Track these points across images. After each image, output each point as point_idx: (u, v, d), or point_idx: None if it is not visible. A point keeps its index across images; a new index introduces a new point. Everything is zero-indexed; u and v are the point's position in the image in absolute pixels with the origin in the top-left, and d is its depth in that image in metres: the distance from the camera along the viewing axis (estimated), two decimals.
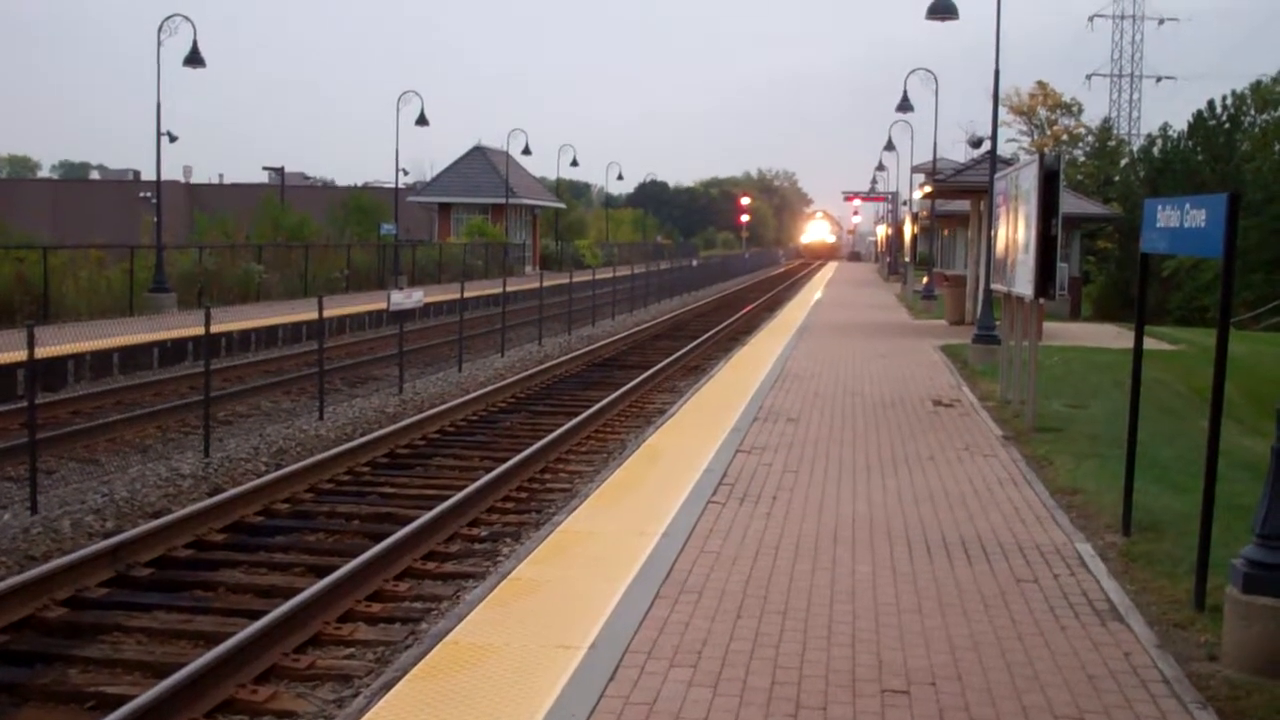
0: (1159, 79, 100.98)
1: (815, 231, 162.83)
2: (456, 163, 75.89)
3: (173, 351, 25.30)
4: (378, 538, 11.58)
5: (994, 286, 20.39)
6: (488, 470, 14.91)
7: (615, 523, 10.52)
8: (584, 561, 9.24)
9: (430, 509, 12.55)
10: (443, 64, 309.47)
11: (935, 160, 49.69)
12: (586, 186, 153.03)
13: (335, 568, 10.36)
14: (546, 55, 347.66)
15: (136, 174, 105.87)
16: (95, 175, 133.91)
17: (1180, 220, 8.72)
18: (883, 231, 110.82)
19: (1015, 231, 16.92)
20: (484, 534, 12.57)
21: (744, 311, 45.82)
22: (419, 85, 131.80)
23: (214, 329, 17.71)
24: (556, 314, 36.61)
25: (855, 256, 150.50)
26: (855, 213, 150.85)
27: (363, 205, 69.83)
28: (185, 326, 25.86)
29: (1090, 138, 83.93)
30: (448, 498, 13.10)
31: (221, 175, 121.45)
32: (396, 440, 17.17)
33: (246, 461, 16.06)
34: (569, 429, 17.71)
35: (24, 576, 9.88)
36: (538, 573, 8.95)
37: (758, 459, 13.51)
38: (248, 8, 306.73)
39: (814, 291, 56.55)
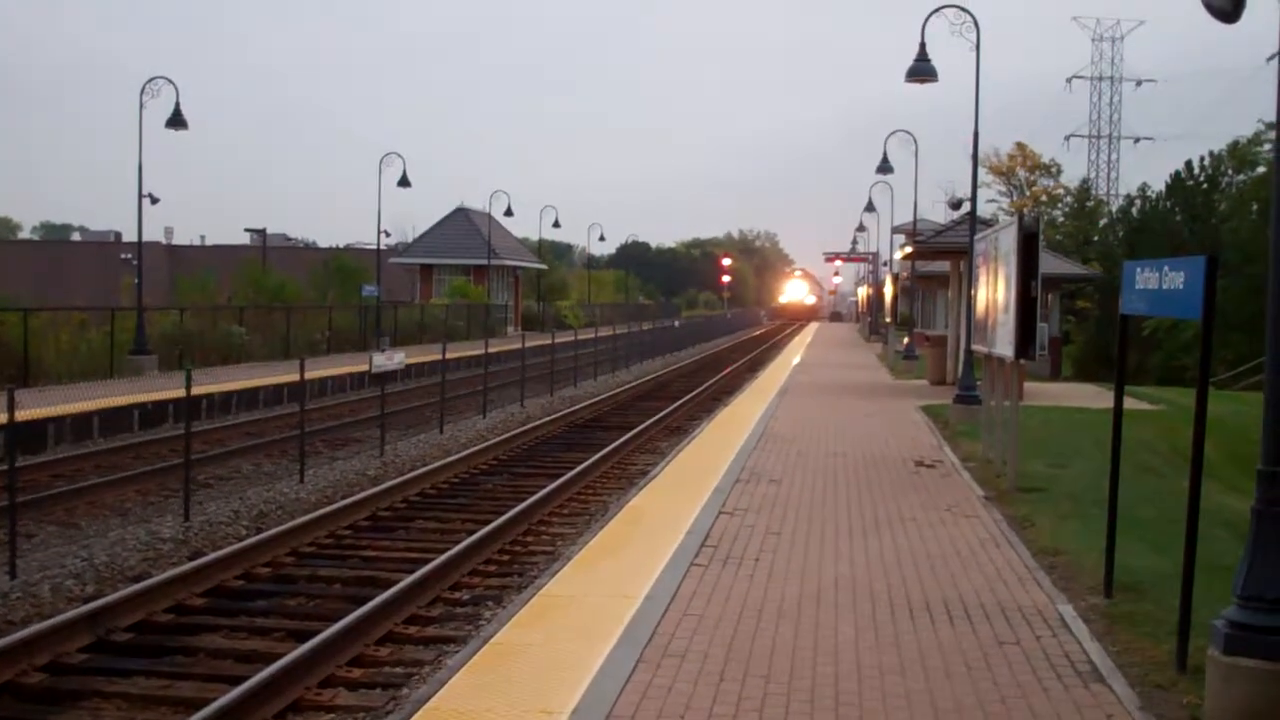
0: (1137, 140, 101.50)
1: (793, 291, 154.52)
2: (439, 224, 76.12)
3: (153, 414, 25.22)
4: (359, 601, 11.53)
5: (975, 347, 20.46)
6: (470, 533, 14.88)
7: (598, 585, 10.50)
8: (567, 625, 9.21)
9: (412, 572, 12.52)
10: (425, 126, 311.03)
11: (915, 221, 50.02)
12: (569, 247, 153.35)
13: (316, 632, 10.31)
14: (529, 118, 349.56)
15: (118, 235, 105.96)
16: (77, 236, 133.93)
17: (1159, 282, 8.76)
18: (864, 292, 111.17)
19: (995, 292, 17.01)
20: (466, 597, 12.53)
21: (726, 372, 45.88)
22: (401, 147, 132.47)
23: (195, 391, 17.69)
24: (538, 375, 36.61)
25: (837, 317, 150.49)
26: (836, 273, 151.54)
27: (344, 266, 69.77)
28: (166, 389, 25.80)
29: (1069, 198, 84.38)
30: (429, 561, 13.08)
31: (203, 236, 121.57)
32: (378, 503, 17.14)
33: (227, 525, 16.01)
34: (551, 491, 17.70)
35: (2, 642, 9.81)
36: (520, 637, 8.91)
37: (740, 520, 13.50)
38: (230, 69, 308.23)
39: (795, 352, 56.64)
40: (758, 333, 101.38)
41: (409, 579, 12.09)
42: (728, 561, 11.48)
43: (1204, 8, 7.94)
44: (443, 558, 13.10)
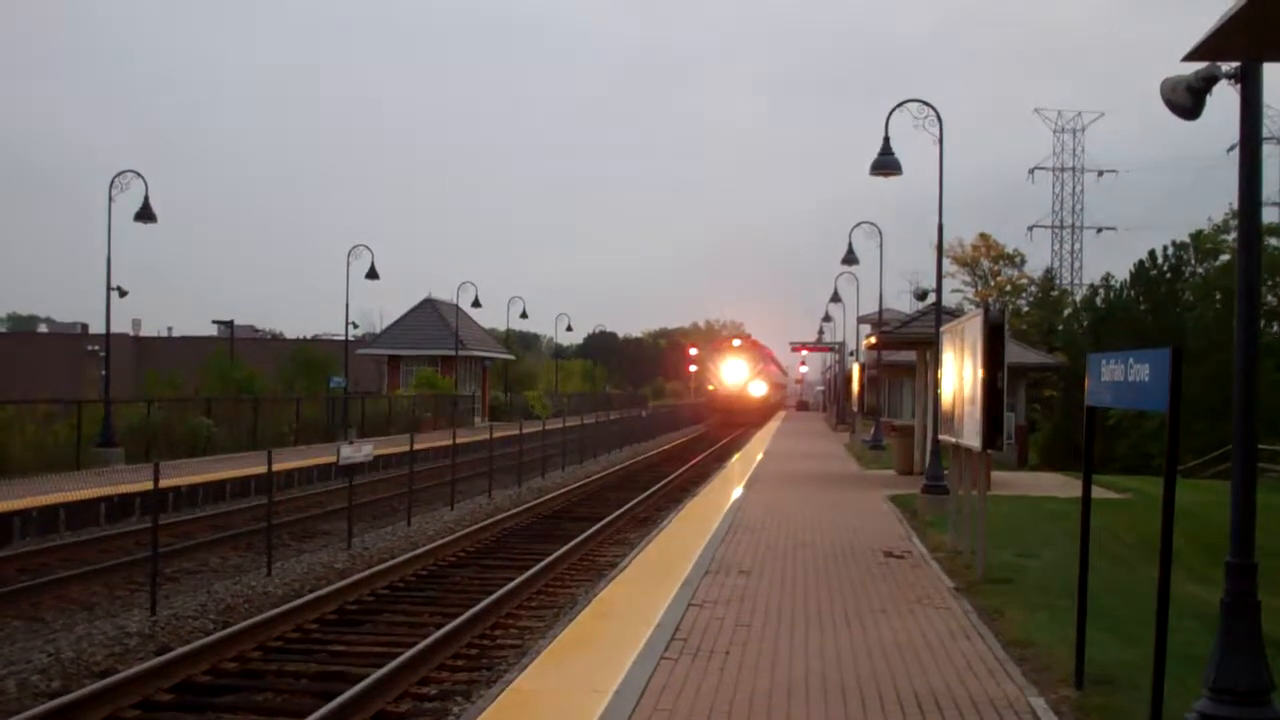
0: (1100, 229, 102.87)
1: (731, 373, 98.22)
2: (406, 315, 76.18)
3: (120, 507, 25.04)
4: (327, 697, 11.43)
5: (942, 437, 20.52)
6: (438, 627, 14.80)
7: (567, 680, 10.44)
8: None
9: (380, 667, 12.42)
10: (392, 218, 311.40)
11: (881, 311, 50.29)
12: (536, 337, 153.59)
13: None
14: (496, 209, 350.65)
15: (85, 326, 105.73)
16: (43, 328, 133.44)
17: (1124, 374, 8.82)
18: (830, 380, 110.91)
19: (961, 382, 17.10)
20: (434, 693, 12.44)
21: (693, 462, 45.85)
22: (369, 238, 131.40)
23: (161, 484, 17.58)
24: (506, 466, 36.53)
25: (804, 406, 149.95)
26: (803, 363, 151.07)
27: (312, 358, 69.69)
28: (133, 481, 25.62)
29: (1033, 288, 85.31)
30: (397, 655, 12.98)
31: (170, 328, 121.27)
32: (345, 596, 17.03)
33: (194, 619, 15.88)
34: (519, 584, 17.63)
35: None
36: None
37: (710, 613, 13.46)
38: (198, 162, 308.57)
39: (762, 442, 56.63)
40: (725, 422, 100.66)
41: (377, 674, 11.99)
42: (698, 655, 11.43)
43: (1165, 105, 8.10)
44: (411, 652, 13.01)
